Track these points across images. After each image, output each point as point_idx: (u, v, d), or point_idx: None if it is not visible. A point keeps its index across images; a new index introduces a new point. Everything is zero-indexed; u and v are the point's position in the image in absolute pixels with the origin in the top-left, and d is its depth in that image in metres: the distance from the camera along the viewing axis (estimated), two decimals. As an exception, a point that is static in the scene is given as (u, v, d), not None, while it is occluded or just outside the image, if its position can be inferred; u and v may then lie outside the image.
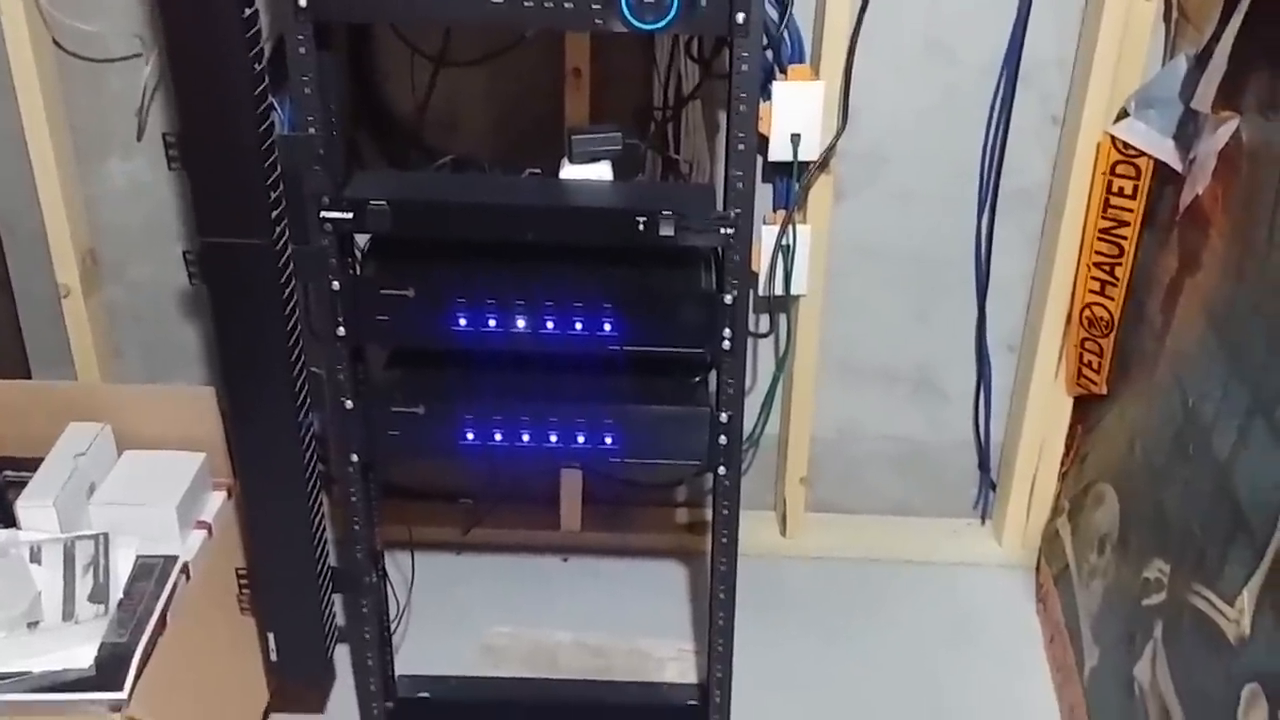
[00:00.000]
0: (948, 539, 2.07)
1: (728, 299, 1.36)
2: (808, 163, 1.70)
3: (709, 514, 1.78)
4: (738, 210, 1.32)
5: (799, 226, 1.75)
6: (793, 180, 1.70)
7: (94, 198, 1.86)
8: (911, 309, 1.92)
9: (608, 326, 1.38)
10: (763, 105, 1.62)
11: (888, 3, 1.67)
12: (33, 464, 1.62)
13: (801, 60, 1.67)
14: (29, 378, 1.96)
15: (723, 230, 1.33)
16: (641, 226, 1.32)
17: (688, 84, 1.71)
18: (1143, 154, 1.63)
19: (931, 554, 2.05)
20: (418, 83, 1.72)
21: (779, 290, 1.77)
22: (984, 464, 2.04)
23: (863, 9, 1.64)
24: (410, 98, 1.74)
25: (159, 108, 1.79)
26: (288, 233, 1.31)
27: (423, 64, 1.71)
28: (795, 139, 1.66)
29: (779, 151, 1.67)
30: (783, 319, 1.88)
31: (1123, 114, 1.65)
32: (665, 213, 1.32)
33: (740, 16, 1.23)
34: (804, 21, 1.67)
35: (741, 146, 1.29)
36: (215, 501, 1.72)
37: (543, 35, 1.65)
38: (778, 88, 1.64)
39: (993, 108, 1.76)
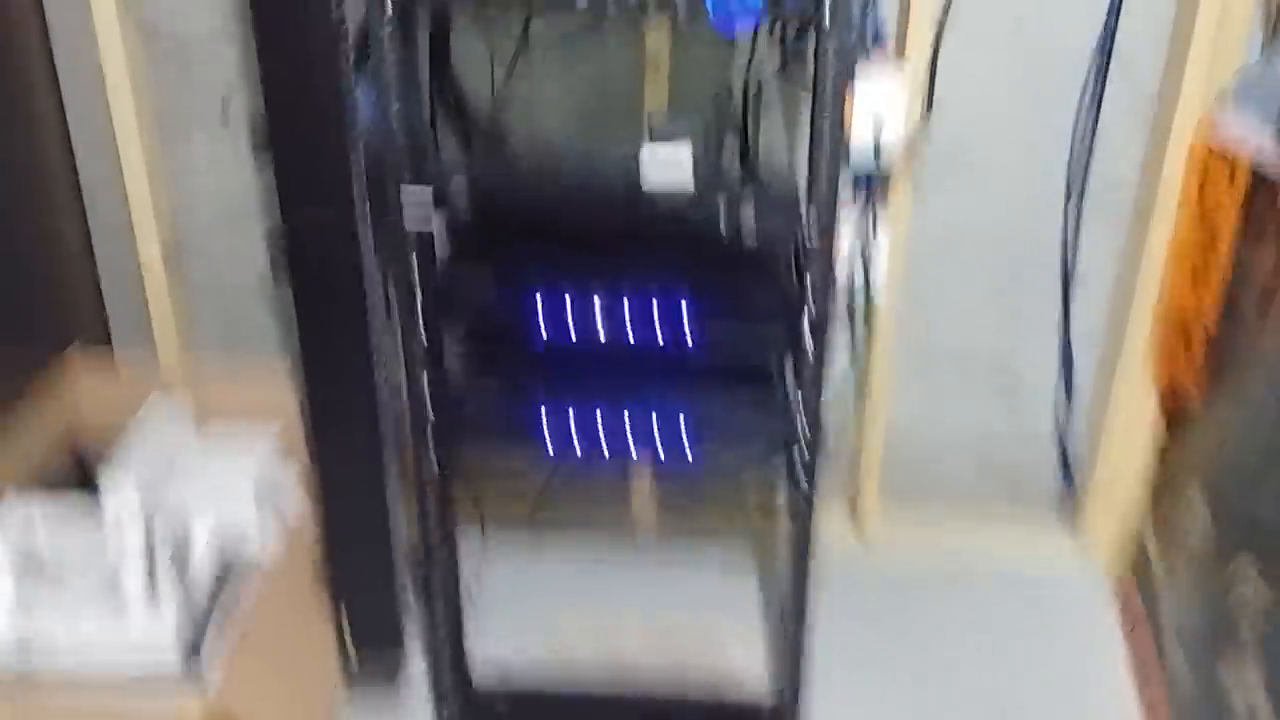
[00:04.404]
0: (1025, 534, 2.03)
1: (810, 298, 1.34)
2: (890, 150, 1.66)
3: (780, 498, 1.76)
4: (821, 205, 1.29)
5: (880, 214, 1.71)
6: (874, 168, 1.67)
7: (178, 175, 1.88)
8: (993, 299, 1.88)
9: (686, 326, 1.36)
10: (846, 91, 1.58)
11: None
12: (115, 434, 1.65)
13: (884, 45, 1.64)
14: (111, 349, 2.00)
15: (805, 226, 1.30)
16: (723, 227, 1.31)
17: (768, 68, 1.69)
18: (1240, 145, 1.58)
19: (1009, 548, 2.02)
20: (496, 66, 1.72)
21: (859, 279, 1.75)
22: (1064, 460, 2.00)
23: (951, -7, 1.60)
24: (487, 81, 1.73)
25: (243, 88, 1.80)
26: (368, 215, 1.31)
27: (501, 49, 1.70)
28: (878, 125, 1.63)
29: (861, 138, 1.64)
30: (861, 307, 1.85)
31: (1220, 102, 1.59)
32: (747, 210, 1.30)
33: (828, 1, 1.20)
34: (886, 5, 1.63)
35: (826, 140, 1.27)
36: (292, 478, 1.74)
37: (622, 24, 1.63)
38: (860, 74, 1.60)
39: (1082, 94, 1.72)
